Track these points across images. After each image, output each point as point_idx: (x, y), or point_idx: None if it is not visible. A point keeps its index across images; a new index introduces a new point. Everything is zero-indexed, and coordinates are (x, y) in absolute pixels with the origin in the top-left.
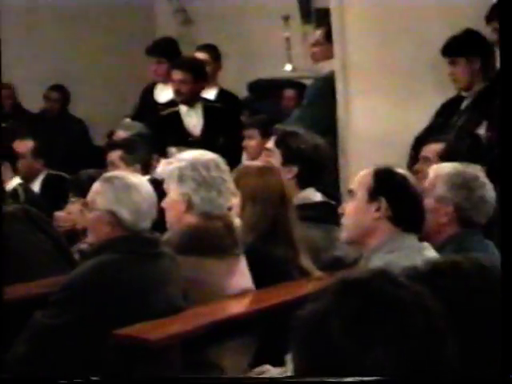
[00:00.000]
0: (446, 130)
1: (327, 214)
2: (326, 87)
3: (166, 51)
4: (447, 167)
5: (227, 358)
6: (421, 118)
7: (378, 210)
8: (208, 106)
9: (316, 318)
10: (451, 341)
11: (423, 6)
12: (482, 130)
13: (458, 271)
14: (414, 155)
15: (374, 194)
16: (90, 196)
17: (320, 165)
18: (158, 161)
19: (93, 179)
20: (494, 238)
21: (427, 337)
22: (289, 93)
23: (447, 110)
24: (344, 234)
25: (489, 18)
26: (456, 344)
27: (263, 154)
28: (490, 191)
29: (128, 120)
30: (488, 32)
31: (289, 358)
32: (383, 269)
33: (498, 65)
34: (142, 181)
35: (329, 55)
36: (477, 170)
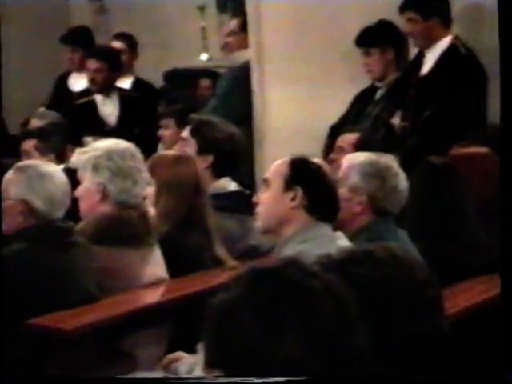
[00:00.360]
0: (361, 119)
1: (242, 204)
2: (242, 76)
3: (80, 40)
4: (361, 157)
5: (141, 348)
6: (336, 107)
7: (293, 199)
8: (123, 95)
9: (227, 307)
10: (363, 329)
11: None
12: (395, 120)
13: (371, 259)
14: (330, 145)
15: (289, 184)
16: (3, 185)
17: (235, 154)
18: (72, 150)
19: (6, 168)
20: (407, 226)
21: (338, 325)
22: (205, 82)
23: (362, 100)
24: (259, 223)
25: (402, 9)
26: (368, 332)
27: (179, 143)
28: (403, 181)
29: (43, 109)
30: (401, 23)
31: (200, 346)
32: (295, 258)
33: (410, 55)
34: (55, 170)
35: (244, 45)
36: (390, 160)
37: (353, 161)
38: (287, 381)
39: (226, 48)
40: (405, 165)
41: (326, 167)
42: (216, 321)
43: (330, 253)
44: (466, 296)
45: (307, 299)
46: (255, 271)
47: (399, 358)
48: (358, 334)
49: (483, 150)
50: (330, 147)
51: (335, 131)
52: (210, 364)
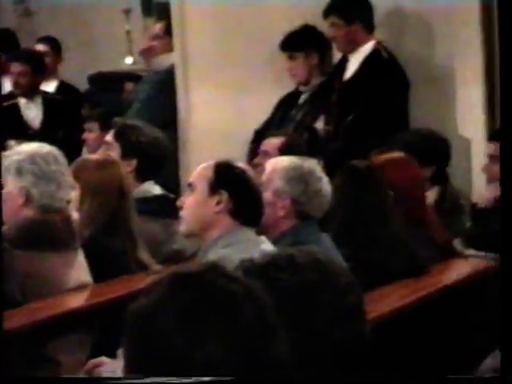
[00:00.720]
0: (285, 123)
1: (166, 208)
2: (167, 80)
3: (3, 43)
4: (284, 161)
5: (64, 353)
6: (260, 111)
7: (218, 203)
8: (48, 99)
9: (147, 312)
10: (284, 334)
11: (263, 0)
12: (319, 124)
13: (293, 265)
14: (254, 149)
15: (214, 188)
16: None
17: (159, 158)
18: None
19: None
20: (330, 230)
21: (257, 331)
22: (129, 86)
23: (286, 104)
24: (183, 227)
25: (325, 14)
26: (289, 338)
27: (102, 146)
28: (326, 185)
29: None
30: (325, 27)
31: (121, 352)
32: (216, 262)
33: (334, 59)
34: None
35: (168, 48)
36: (313, 164)
37: (277, 165)
38: (212, 381)
39: (147, 52)
40: (328, 169)
41: (250, 171)
42: (136, 326)
43: (253, 257)
44: (389, 300)
45: (228, 304)
46: (176, 275)
47: (321, 364)
48: (278, 339)
49: (403, 155)
50: (255, 151)
51: (259, 135)
52: (130, 369)
